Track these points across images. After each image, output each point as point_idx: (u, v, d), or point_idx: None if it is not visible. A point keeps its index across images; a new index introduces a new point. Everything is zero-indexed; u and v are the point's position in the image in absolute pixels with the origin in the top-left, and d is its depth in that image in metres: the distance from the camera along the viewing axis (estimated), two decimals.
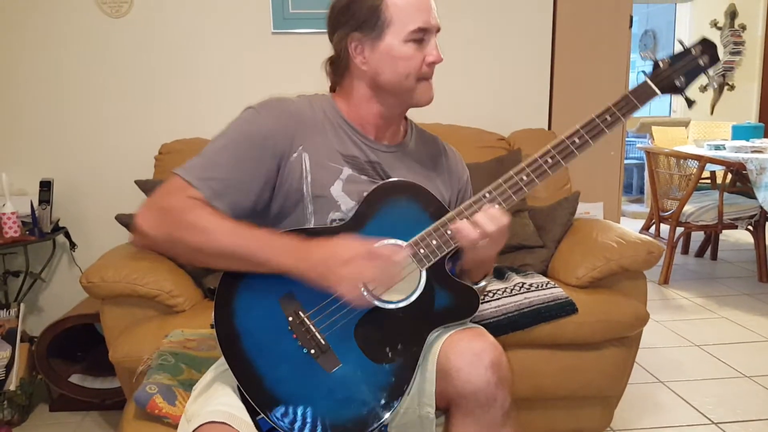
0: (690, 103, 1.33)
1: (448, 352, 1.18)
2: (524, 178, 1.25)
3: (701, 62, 1.27)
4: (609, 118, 1.26)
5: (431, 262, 1.24)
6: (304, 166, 1.27)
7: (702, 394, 2.53)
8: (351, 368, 1.18)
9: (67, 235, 2.72)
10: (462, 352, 1.17)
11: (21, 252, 2.61)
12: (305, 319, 1.19)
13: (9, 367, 2.39)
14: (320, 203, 1.28)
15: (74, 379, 2.43)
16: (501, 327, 1.92)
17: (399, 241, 1.24)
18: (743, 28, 6.81)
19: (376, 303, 1.20)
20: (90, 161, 2.77)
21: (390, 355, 1.19)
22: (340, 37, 1.30)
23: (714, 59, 1.27)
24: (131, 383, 1.82)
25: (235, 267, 1.19)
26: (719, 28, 6.87)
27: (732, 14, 6.84)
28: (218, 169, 1.22)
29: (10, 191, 2.49)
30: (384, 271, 1.17)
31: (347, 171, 1.31)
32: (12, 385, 2.36)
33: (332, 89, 1.41)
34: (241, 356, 1.18)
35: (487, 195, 1.25)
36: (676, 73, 1.27)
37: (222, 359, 1.24)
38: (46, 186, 2.59)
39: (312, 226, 1.28)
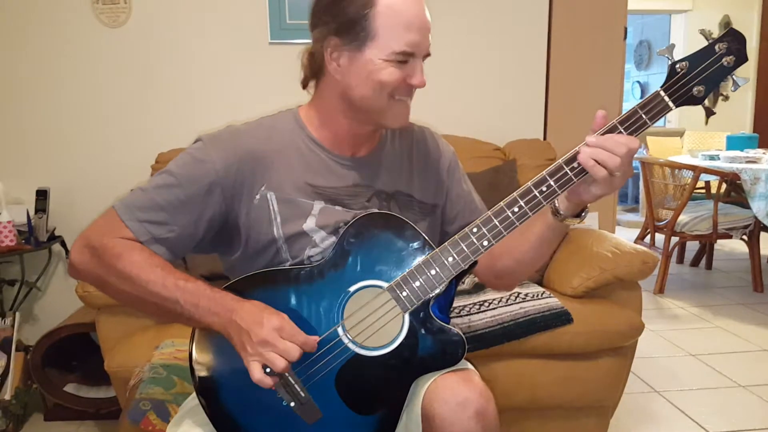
0: (710, 113, 1.12)
1: (432, 399, 1.10)
2: (516, 210, 1.13)
3: (725, 63, 1.06)
4: None
5: (414, 306, 1.14)
6: (271, 207, 1.20)
7: (697, 403, 2.53)
8: (332, 420, 1.12)
9: (63, 244, 2.72)
10: (446, 400, 1.09)
11: (17, 261, 2.61)
12: None
13: (4, 376, 2.38)
14: (294, 241, 1.21)
15: (69, 388, 2.42)
16: (496, 336, 1.92)
17: (379, 282, 1.16)
18: None
19: (357, 350, 1.13)
20: (86, 170, 2.78)
21: (372, 405, 1.14)
22: (318, 36, 1.19)
23: (741, 58, 1.05)
24: (126, 393, 1.81)
25: (165, 318, 1.15)
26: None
27: (726, 25, 6.88)
28: (158, 212, 1.15)
29: (6, 200, 2.49)
30: (289, 357, 1.05)
31: (319, 205, 1.22)
32: (7, 394, 2.35)
33: (304, 85, 1.29)
34: (220, 407, 1.14)
35: (475, 230, 1.14)
36: (695, 79, 1.06)
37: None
38: (42, 195, 2.59)
39: (289, 266, 1.21)
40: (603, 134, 1.09)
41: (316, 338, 1.10)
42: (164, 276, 1.10)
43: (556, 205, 1.17)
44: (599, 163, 1.06)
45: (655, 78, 7.72)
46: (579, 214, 1.18)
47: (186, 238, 1.18)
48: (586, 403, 2.08)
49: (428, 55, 1.19)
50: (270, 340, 1.04)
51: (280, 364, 1.04)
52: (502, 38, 2.95)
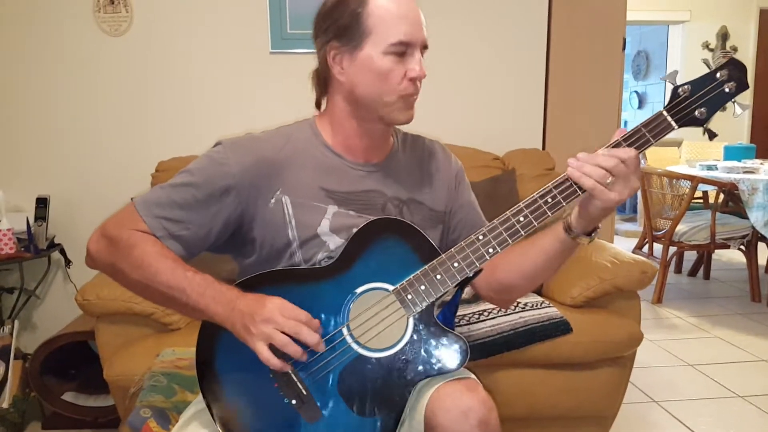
0: (712, 135, 1.15)
1: (435, 408, 1.11)
2: (521, 219, 1.15)
3: (727, 89, 1.10)
4: None
5: (419, 309, 1.17)
6: (286, 211, 1.24)
7: (696, 413, 2.53)
8: (332, 420, 1.13)
9: (63, 252, 2.72)
10: (449, 409, 1.10)
11: (16, 269, 2.61)
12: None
13: (2, 384, 2.37)
14: (308, 245, 1.24)
15: (68, 396, 2.41)
16: (496, 346, 1.93)
17: (385, 285, 1.18)
18: (735, 49, 6.89)
19: (361, 351, 1.15)
20: (86, 178, 2.78)
21: (373, 406, 1.14)
22: (320, 46, 1.25)
23: (742, 85, 1.10)
24: (125, 402, 1.81)
25: (172, 308, 1.19)
26: (711, 50, 6.95)
27: (724, 36, 6.92)
28: (175, 210, 1.19)
29: (6, 208, 2.49)
30: (297, 335, 1.08)
31: (333, 208, 1.26)
32: (5, 402, 2.35)
33: (317, 104, 1.34)
34: (222, 403, 1.17)
35: (481, 237, 1.17)
36: (697, 102, 1.11)
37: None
38: (42, 203, 2.59)
39: (300, 267, 1.25)
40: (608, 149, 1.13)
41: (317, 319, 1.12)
42: (174, 267, 1.14)
43: (569, 221, 1.19)
44: (586, 174, 1.10)
45: (653, 88, 7.75)
46: (590, 234, 1.20)
47: (200, 237, 1.22)
48: (585, 413, 2.08)
49: (426, 47, 1.23)
50: (272, 317, 1.08)
51: (283, 339, 1.07)
52: (501, 48, 2.97)
